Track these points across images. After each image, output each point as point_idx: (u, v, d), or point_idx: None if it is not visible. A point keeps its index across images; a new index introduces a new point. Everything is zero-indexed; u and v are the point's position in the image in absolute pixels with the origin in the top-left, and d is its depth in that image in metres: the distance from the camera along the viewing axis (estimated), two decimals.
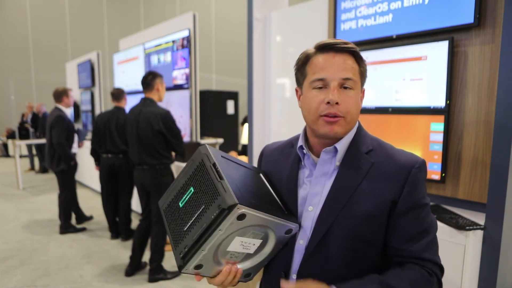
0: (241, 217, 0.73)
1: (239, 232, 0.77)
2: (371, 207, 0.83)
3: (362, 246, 0.84)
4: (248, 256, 0.86)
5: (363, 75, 0.89)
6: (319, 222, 0.86)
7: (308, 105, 0.87)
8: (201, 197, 0.79)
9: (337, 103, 0.82)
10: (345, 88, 0.84)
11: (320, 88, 0.85)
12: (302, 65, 0.90)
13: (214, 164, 0.81)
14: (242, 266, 0.86)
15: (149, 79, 2.89)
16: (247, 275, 0.89)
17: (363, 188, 0.84)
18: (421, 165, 0.85)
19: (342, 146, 0.88)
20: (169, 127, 2.84)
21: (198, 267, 0.78)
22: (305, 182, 0.92)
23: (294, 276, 0.90)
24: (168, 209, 0.88)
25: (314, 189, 0.89)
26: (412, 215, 0.84)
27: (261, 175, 0.99)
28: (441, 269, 0.86)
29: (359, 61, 0.87)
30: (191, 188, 0.83)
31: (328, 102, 0.82)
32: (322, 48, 0.86)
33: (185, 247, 0.77)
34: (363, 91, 0.92)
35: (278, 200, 0.91)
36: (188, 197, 0.83)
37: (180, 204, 0.84)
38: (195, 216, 0.78)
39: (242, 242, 0.80)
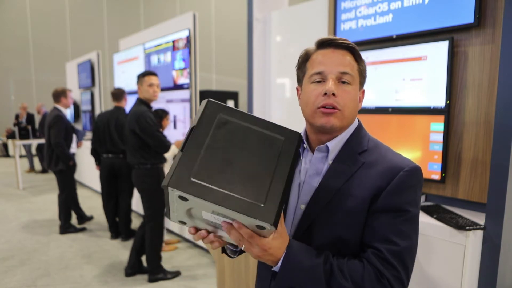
0: (183, 198, 0.67)
1: (200, 208, 0.70)
2: (351, 205, 0.82)
3: (341, 244, 0.83)
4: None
5: (362, 74, 0.89)
6: (303, 219, 0.86)
7: (306, 99, 0.88)
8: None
9: (334, 94, 0.82)
10: (343, 83, 0.84)
11: (319, 82, 0.85)
12: (303, 62, 0.91)
13: (192, 128, 0.73)
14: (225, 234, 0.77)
15: (136, 80, 2.93)
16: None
17: (347, 186, 0.84)
18: (411, 170, 0.81)
19: (334, 145, 0.88)
20: (143, 127, 2.73)
21: (182, 222, 0.77)
22: (300, 178, 0.93)
23: None
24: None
25: (307, 188, 0.90)
26: (387, 216, 0.80)
27: (282, 144, 0.76)
28: (400, 282, 0.77)
29: (358, 59, 0.88)
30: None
31: (326, 94, 0.83)
32: (322, 44, 0.88)
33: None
34: (362, 92, 0.91)
35: (269, 186, 0.71)
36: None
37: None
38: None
39: (214, 216, 0.72)
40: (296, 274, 0.77)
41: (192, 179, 0.67)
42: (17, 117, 8.39)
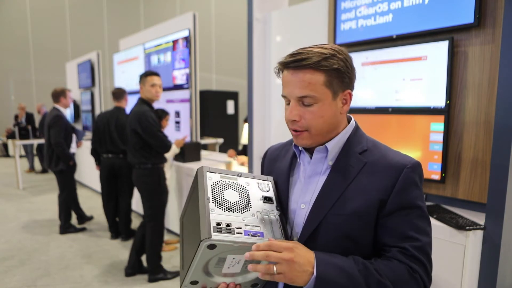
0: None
1: (225, 251, 0.78)
2: (359, 206, 0.83)
3: (349, 245, 0.84)
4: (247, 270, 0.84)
5: (331, 84, 0.82)
6: (309, 219, 0.86)
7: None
8: None
9: (295, 120, 0.84)
10: (306, 105, 0.83)
11: (288, 103, 0.87)
12: (280, 76, 0.91)
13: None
14: (243, 278, 0.86)
15: (139, 80, 2.92)
16: (254, 285, 0.88)
17: (353, 187, 0.84)
18: (414, 166, 0.84)
19: (333, 146, 0.89)
20: (145, 127, 2.75)
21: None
22: (300, 179, 0.94)
23: None
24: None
25: (307, 187, 0.91)
26: (401, 214, 0.82)
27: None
28: (428, 275, 0.82)
29: (323, 70, 0.80)
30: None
31: None
32: (282, 65, 0.86)
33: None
34: (347, 93, 0.86)
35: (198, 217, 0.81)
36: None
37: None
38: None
39: (235, 258, 0.80)
40: (335, 277, 0.76)
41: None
42: (16, 117, 8.38)
